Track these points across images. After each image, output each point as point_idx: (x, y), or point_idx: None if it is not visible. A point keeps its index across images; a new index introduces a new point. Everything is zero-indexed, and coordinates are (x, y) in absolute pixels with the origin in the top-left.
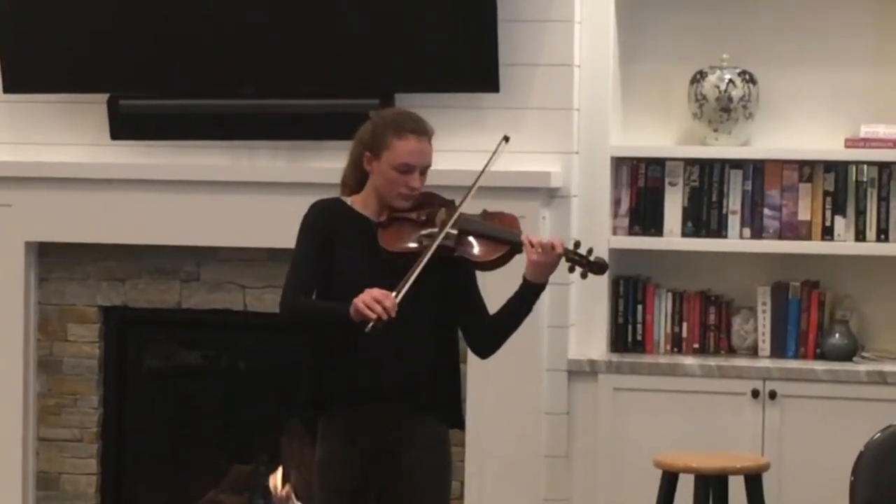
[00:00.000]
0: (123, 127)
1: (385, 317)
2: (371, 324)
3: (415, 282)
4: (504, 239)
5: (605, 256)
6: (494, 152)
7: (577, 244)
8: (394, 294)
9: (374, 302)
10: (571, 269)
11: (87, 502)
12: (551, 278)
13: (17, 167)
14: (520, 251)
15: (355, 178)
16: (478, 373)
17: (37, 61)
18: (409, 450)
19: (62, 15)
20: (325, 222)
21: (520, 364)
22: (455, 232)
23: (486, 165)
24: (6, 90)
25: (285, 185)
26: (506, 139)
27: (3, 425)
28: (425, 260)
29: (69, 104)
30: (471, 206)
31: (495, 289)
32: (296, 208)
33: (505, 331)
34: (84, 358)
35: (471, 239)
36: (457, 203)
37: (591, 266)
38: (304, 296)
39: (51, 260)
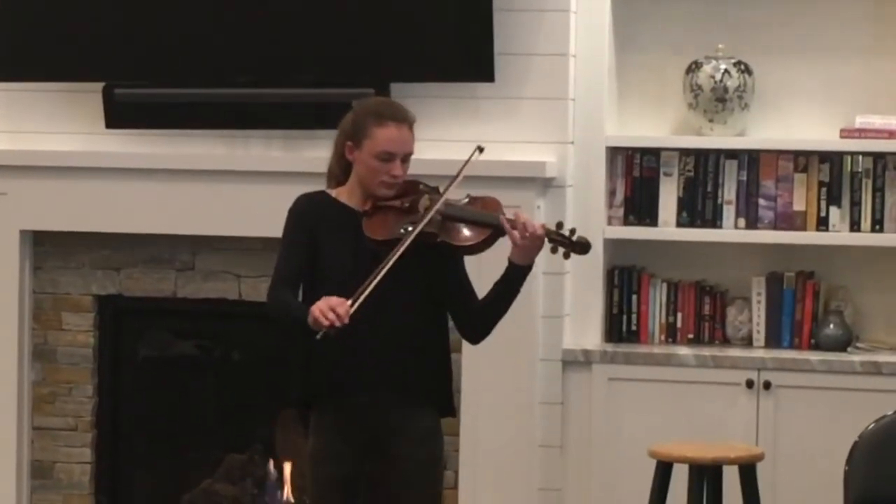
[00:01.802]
0: (119, 116)
1: (337, 324)
2: (322, 331)
3: (400, 270)
4: (487, 222)
5: (600, 246)
6: (466, 161)
7: (560, 225)
8: (349, 302)
9: (329, 309)
10: (554, 250)
11: (81, 491)
12: (547, 268)
13: (12, 156)
14: (503, 234)
15: (340, 169)
16: (472, 362)
17: (32, 50)
18: (401, 441)
19: (58, 3)
20: (310, 215)
21: (514, 354)
22: (438, 218)
23: (458, 175)
24: (1, 78)
25: (280, 175)
26: (479, 150)
27: None
28: (397, 255)
29: (65, 93)
30: (455, 194)
31: (489, 273)
32: (291, 197)
33: (494, 315)
34: (79, 347)
35: (454, 224)
36: (440, 193)
37: (574, 246)
38: (286, 291)
39: (45, 249)
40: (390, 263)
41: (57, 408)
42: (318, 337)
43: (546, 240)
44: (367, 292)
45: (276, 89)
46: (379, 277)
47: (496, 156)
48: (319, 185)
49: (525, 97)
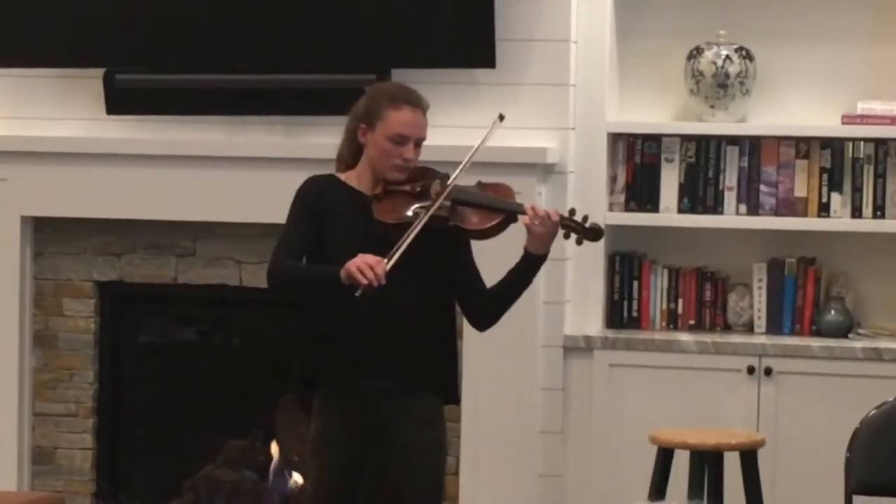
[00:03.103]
0: (119, 102)
1: (375, 283)
2: (360, 290)
3: (408, 252)
4: (499, 208)
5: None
6: (489, 131)
7: (573, 211)
8: (385, 261)
9: (367, 267)
10: (567, 236)
11: (82, 477)
12: None
13: (13, 142)
14: (514, 220)
15: (350, 153)
16: (474, 348)
17: (33, 36)
18: (403, 428)
19: None
20: (318, 196)
21: (516, 340)
22: (449, 203)
23: (480, 143)
24: (1, 64)
25: (281, 161)
26: (500, 118)
27: None
28: (418, 228)
29: (65, 79)
30: (465, 180)
31: (495, 261)
32: (291, 183)
33: (504, 303)
34: (79, 333)
35: (465, 209)
36: (451, 176)
37: (587, 232)
38: (294, 261)
39: (46, 234)
40: (421, 224)
41: (58, 394)
42: (358, 294)
43: (559, 226)
44: (398, 253)
45: (277, 75)
46: (410, 238)
47: (497, 142)
48: (320, 171)
49: (526, 83)
